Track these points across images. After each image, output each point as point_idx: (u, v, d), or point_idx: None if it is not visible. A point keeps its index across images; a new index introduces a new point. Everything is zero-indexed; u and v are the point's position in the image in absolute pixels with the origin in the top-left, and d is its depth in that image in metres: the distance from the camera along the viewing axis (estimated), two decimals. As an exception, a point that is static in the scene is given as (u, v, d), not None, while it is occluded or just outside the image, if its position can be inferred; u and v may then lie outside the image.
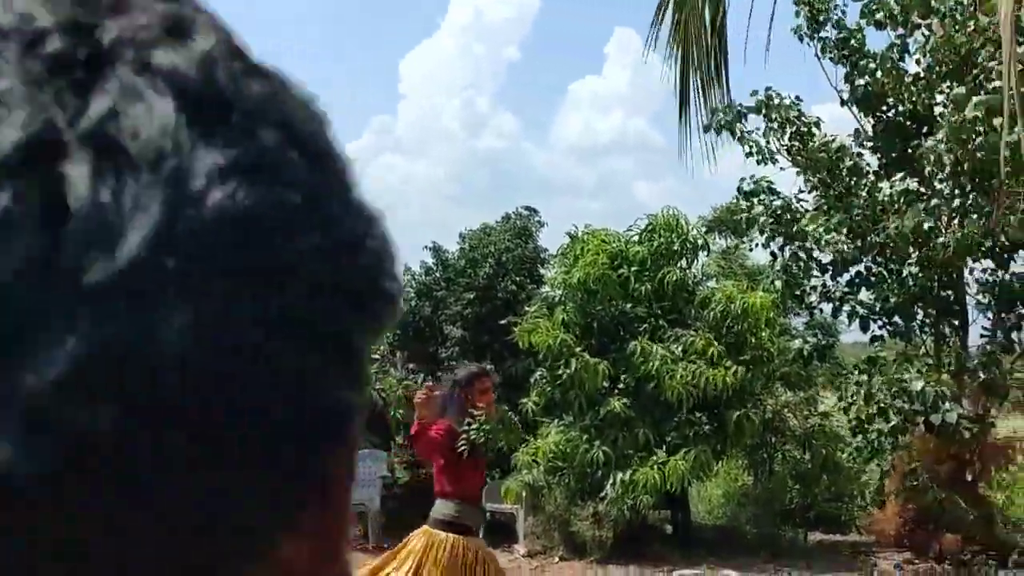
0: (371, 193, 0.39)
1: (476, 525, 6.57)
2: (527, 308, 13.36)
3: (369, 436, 12.76)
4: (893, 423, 11.89)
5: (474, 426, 6.50)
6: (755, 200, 13.55)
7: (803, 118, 13.49)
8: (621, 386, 11.81)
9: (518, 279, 16.47)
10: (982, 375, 12.19)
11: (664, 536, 12.55)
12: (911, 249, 12.12)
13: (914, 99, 13.04)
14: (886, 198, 12.31)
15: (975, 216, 11.77)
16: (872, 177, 13.16)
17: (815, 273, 13.25)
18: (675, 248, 13.07)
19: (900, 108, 13.28)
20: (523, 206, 18.34)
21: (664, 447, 11.44)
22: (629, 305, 12.62)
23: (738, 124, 13.62)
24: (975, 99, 10.89)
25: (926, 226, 11.68)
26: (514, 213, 17.93)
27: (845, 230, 12.59)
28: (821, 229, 12.35)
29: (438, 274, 17.61)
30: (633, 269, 12.76)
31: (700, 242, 13.40)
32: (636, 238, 13.27)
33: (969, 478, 12.29)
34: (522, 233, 17.45)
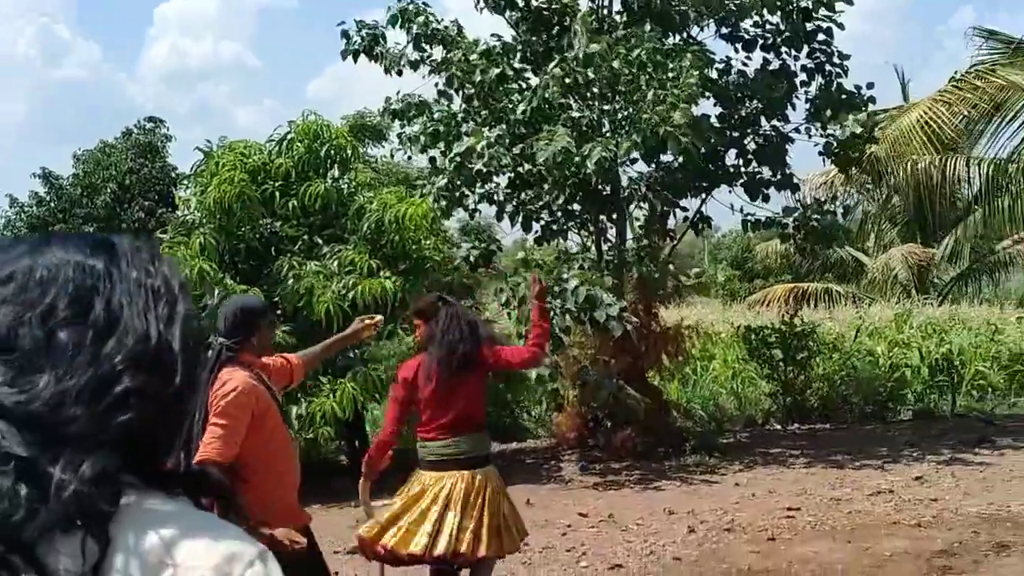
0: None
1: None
2: (160, 235, 11.73)
3: None
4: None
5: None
6: (409, 118, 12.66)
7: (442, 25, 12.68)
8: (279, 312, 10.56)
9: (147, 203, 14.63)
10: (635, 271, 12.06)
11: (343, 468, 11.57)
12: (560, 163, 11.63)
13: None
14: (538, 101, 11.74)
15: (621, 122, 11.50)
16: (520, 83, 12.63)
17: (476, 181, 12.56)
18: (322, 157, 11.92)
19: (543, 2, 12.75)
20: (146, 117, 16.29)
21: (330, 372, 10.38)
22: (279, 223, 11.36)
23: (376, 47, 12.70)
24: None
25: (572, 148, 11.18)
26: (136, 127, 15.92)
27: (506, 141, 11.96)
28: (481, 144, 11.62)
29: (52, 204, 15.39)
30: (278, 184, 11.51)
31: (349, 151, 12.28)
32: (277, 149, 11.99)
33: (642, 371, 12.23)
34: (148, 150, 15.53)
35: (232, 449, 4.19)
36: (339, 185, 11.99)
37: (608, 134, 11.43)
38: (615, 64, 10.82)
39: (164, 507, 1.07)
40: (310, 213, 11.45)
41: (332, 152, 11.93)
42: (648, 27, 11.35)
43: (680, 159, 12.38)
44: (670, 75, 10.79)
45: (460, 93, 12.62)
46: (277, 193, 11.38)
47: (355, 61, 12.68)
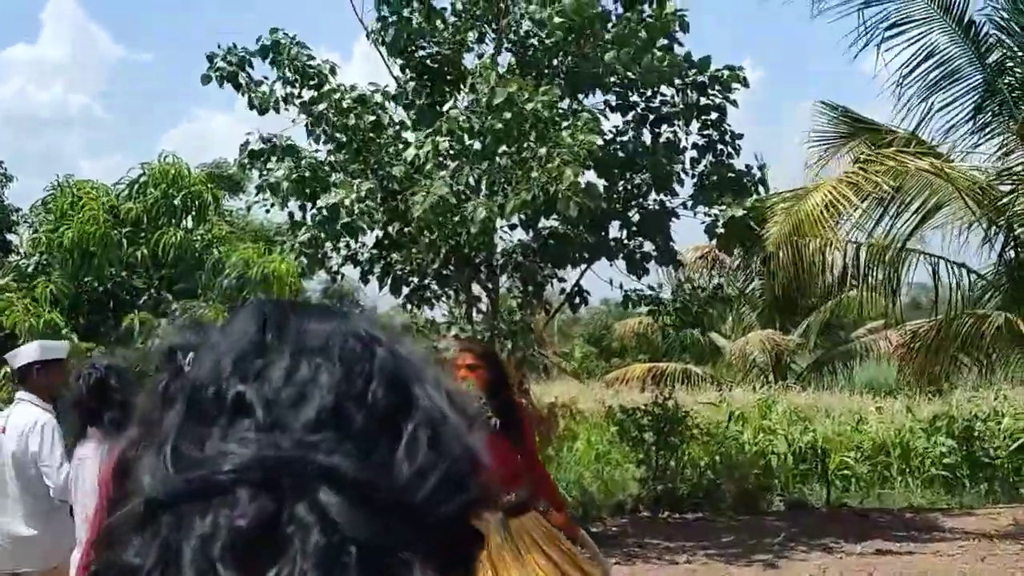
0: None
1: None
2: (-9, 281, 10.44)
3: None
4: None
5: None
6: (272, 160, 11.68)
7: (315, 63, 11.84)
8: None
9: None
10: (510, 344, 11.42)
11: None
12: (440, 220, 10.84)
13: (447, 44, 11.89)
14: (415, 158, 11.00)
15: (504, 182, 10.83)
16: (399, 132, 11.89)
17: (343, 236, 11.65)
18: (176, 204, 10.88)
19: (432, 52, 12.06)
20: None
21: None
22: (124, 273, 10.22)
23: (241, 73, 11.74)
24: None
25: (452, 200, 10.45)
26: (-29, 165, 14.47)
27: (378, 196, 11.13)
28: (351, 198, 10.76)
29: None
30: (126, 230, 10.41)
31: (209, 198, 11.27)
32: (127, 192, 10.90)
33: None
34: (-24, 188, 14.10)
35: None
36: (193, 237, 10.97)
37: (487, 195, 10.71)
38: (508, 116, 10.12)
39: None
40: (161, 264, 10.37)
41: (189, 200, 10.91)
42: (543, 85, 10.74)
43: (561, 227, 11.84)
44: (563, 134, 10.19)
45: (331, 139, 11.72)
46: (125, 240, 10.26)
47: (220, 85, 11.63)
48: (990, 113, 12.53)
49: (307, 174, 11.37)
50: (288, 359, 0.88)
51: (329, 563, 0.79)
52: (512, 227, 12.03)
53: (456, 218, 10.38)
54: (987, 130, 12.56)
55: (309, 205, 11.80)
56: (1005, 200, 12.20)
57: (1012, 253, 12.55)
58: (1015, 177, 12.34)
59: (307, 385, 0.87)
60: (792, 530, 11.99)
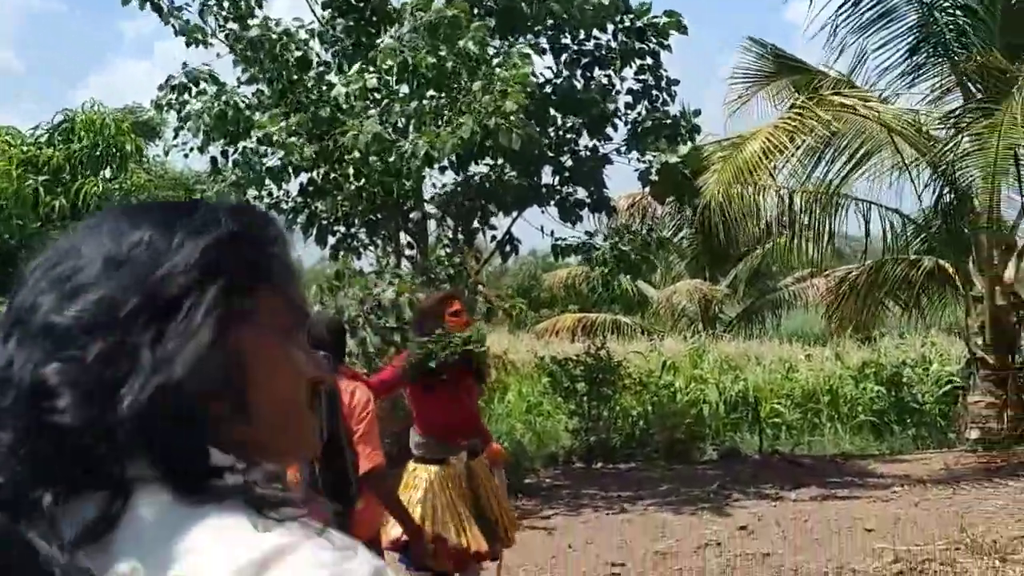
0: None
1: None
2: None
3: None
4: (364, 338, 10.23)
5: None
6: (191, 93, 11.14)
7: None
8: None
9: None
10: (448, 287, 11.07)
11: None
12: (372, 159, 10.41)
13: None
14: (340, 97, 10.56)
15: (437, 121, 10.43)
16: (323, 71, 11.39)
17: (267, 182, 11.18)
18: (99, 153, 10.35)
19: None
20: None
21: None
22: (38, 224, 9.67)
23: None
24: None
25: (384, 134, 10.07)
26: None
27: (304, 134, 10.64)
28: (277, 130, 10.27)
29: None
30: (43, 179, 9.85)
31: (130, 148, 10.72)
32: (47, 139, 10.35)
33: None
34: None
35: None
36: (112, 186, 10.45)
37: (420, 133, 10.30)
38: (443, 52, 9.71)
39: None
40: (80, 215, 9.83)
41: (111, 149, 10.37)
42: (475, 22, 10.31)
43: (493, 173, 11.52)
44: (497, 69, 9.81)
45: (255, 78, 11.21)
46: (42, 189, 9.71)
47: (140, 7, 11.03)
48: (925, 54, 12.42)
49: (230, 112, 10.85)
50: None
51: None
52: (442, 170, 11.66)
53: (391, 157, 9.96)
54: (922, 71, 12.46)
55: (231, 150, 11.32)
56: (941, 144, 12.11)
57: (948, 198, 12.50)
58: (953, 119, 12.25)
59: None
60: (726, 478, 11.91)
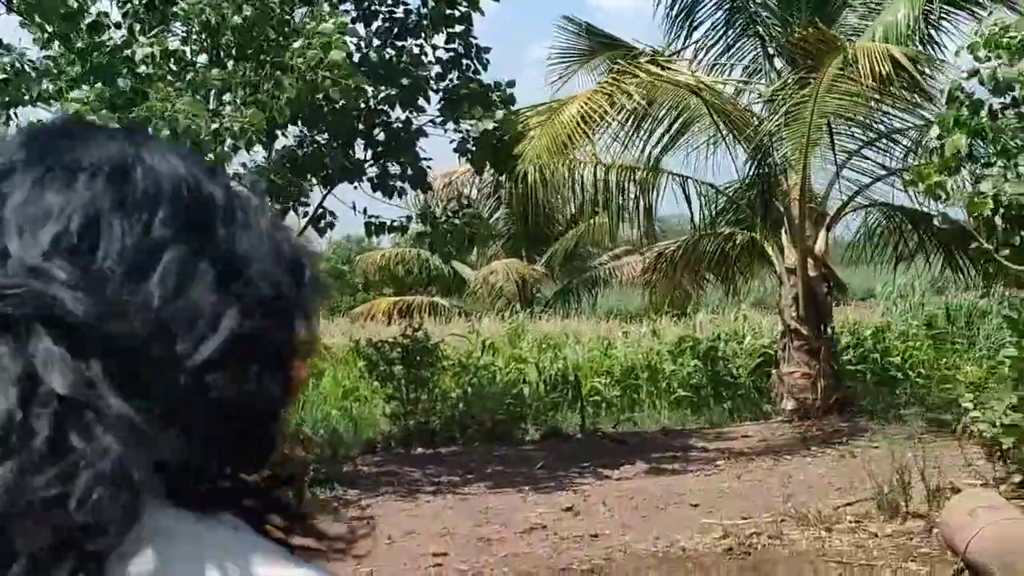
0: None
1: None
2: None
3: None
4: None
5: None
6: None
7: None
8: None
9: None
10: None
11: None
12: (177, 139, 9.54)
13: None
14: (142, 60, 9.66)
15: (243, 94, 9.67)
16: (119, 33, 10.42)
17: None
18: None
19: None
20: None
21: None
22: None
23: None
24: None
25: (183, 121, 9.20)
26: None
27: (105, 107, 9.65)
28: (77, 104, 9.25)
29: None
30: None
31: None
32: None
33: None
34: None
35: None
36: None
37: (233, 104, 9.50)
38: (249, 12, 8.97)
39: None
40: None
41: None
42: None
43: (302, 149, 10.86)
44: (311, 24, 9.15)
45: (47, 44, 10.13)
46: None
47: None
48: (740, 29, 12.42)
49: (12, 76, 9.72)
50: (36, 177, 0.76)
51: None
52: (249, 144, 10.88)
53: (204, 135, 9.12)
54: (735, 48, 12.47)
55: (13, 119, 10.20)
56: (756, 118, 12.15)
57: (763, 170, 12.56)
58: (771, 94, 12.29)
59: (52, 206, 0.75)
60: (549, 458, 11.66)
